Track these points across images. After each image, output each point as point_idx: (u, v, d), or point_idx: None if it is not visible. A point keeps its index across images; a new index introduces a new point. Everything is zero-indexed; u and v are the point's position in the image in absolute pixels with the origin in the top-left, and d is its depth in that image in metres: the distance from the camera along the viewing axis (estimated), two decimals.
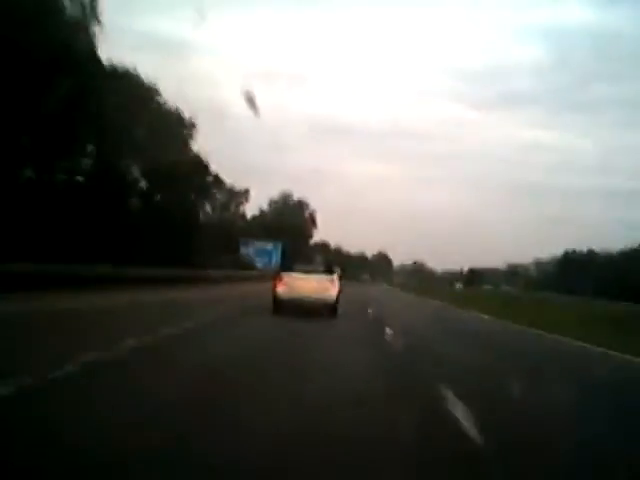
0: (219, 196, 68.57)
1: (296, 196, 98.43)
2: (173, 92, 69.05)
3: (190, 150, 44.71)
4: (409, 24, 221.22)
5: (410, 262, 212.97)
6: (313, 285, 18.65)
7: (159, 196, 42.94)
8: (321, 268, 20.28)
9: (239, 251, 65.20)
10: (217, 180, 56.23)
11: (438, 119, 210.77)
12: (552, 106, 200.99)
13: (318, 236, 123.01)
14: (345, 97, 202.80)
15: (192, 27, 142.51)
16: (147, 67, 65.46)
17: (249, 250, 63.95)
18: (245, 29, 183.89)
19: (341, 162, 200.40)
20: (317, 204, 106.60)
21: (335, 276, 19.95)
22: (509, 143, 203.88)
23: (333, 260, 26.52)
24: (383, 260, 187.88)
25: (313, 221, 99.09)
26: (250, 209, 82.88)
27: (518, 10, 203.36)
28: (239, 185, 68.43)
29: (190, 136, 44.32)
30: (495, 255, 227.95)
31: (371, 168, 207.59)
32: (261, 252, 64.28)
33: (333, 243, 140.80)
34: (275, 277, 19.44)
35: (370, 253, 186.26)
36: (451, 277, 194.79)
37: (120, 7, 76.61)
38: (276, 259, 60.12)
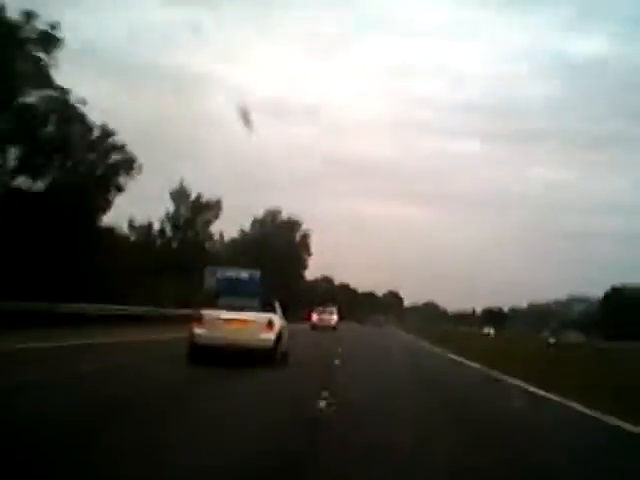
0: (182, 210, 52.00)
1: (286, 213, 76.41)
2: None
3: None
4: (423, 58, 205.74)
5: (421, 302, 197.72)
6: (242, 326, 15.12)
7: None
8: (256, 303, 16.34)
9: (203, 282, 48.38)
10: None
11: (451, 156, 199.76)
12: (569, 143, 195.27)
13: (319, 271, 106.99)
14: (356, 133, 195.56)
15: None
16: None
17: (216, 281, 46.40)
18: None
19: (350, 199, 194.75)
20: (325, 240, 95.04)
21: (274, 315, 15.91)
22: (525, 180, 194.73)
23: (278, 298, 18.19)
24: (394, 299, 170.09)
25: (306, 246, 77.39)
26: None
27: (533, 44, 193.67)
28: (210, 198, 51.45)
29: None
30: (506, 295, 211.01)
31: (382, 207, 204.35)
32: (233, 284, 46.03)
33: (338, 280, 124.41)
34: (193, 315, 16.00)
35: (380, 292, 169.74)
36: (463, 317, 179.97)
37: None
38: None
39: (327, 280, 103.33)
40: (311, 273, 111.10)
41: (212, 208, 52.64)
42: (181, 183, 54.24)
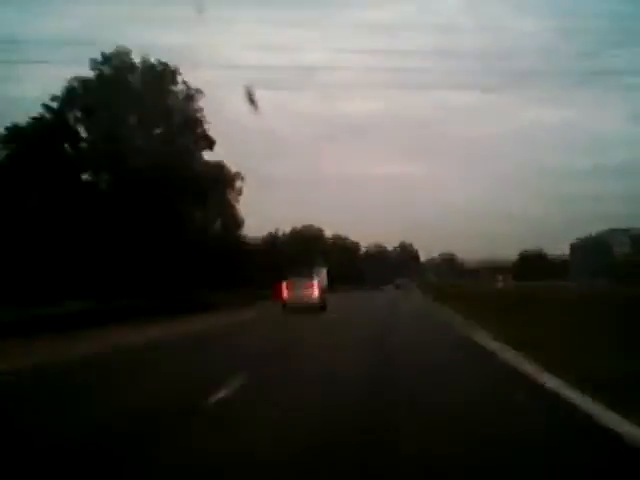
0: None
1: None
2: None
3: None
4: (410, 13, 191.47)
5: (437, 254, 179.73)
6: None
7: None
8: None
9: None
10: None
11: (446, 108, 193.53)
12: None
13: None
14: (350, 93, 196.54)
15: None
16: None
17: None
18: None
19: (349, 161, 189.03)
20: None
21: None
22: (527, 122, 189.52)
23: None
24: (407, 254, 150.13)
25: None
26: None
27: None
28: None
29: None
30: (533, 241, 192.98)
31: (383, 166, 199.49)
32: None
33: (331, 232, 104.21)
34: None
35: (390, 245, 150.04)
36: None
37: None
38: None
39: (309, 231, 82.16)
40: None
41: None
42: None
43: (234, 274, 43.29)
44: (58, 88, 37.35)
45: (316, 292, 32.88)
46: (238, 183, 47.34)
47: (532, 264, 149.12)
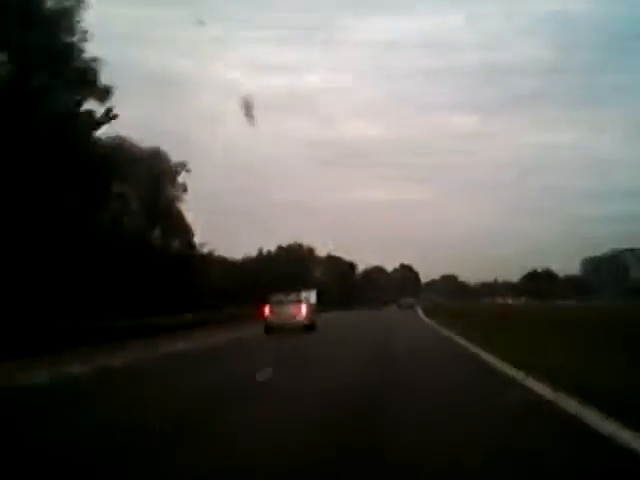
0: None
1: None
2: None
3: None
4: (409, 32, 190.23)
5: (439, 276, 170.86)
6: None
7: None
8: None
9: None
10: None
11: (446, 130, 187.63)
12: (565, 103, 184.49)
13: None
14: (348, 117, 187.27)
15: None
16: None
17: None
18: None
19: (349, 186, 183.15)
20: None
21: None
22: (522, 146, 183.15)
23: None
24: (407, 275, 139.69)
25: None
26: None
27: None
28: None
29: None
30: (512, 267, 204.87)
31: (383, 190, 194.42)
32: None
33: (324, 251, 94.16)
34: None
35: (390, 266, 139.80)
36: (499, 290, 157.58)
37: None
38: None
39: (297, 250, 72.27)
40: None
41: None
42: None
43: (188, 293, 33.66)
44: None
45: (303, 312, 28.77)
46: (181, 177, 36.75)
47: (541, 283, 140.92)
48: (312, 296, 36.12)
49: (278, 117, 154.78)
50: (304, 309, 28.59)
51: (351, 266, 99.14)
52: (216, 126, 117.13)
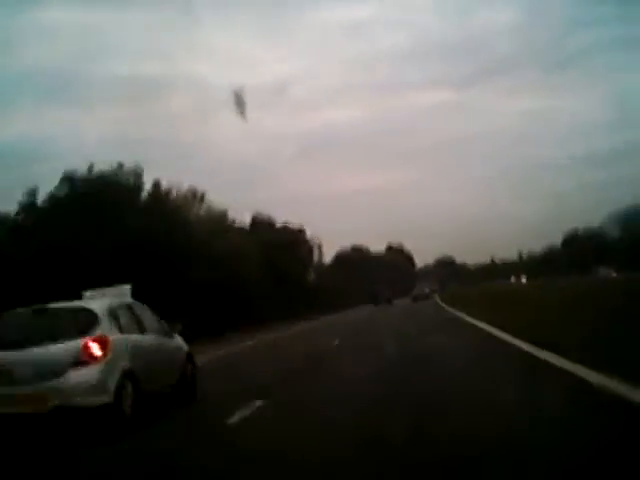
0: None
1: None
2: None
3: None
4: (373, 12, 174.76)
5: (432, 260, 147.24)
6: None
7: None
8: None
9: None
10: None
11: (423, 109, 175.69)
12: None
13: None
14: (324, 104, 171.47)
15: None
16: None
17: None
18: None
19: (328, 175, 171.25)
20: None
21: None
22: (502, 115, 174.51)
23: None
24: (397, 259, 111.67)
25: None
26: None
27: None
28: None
29: None
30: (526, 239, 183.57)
31: (365, 177, 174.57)
32: None
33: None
34: None
35: (375, 247, 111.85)
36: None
37: None
38: None
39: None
40: None
41: None
42: None
43: None
44: None
45: None
46: None
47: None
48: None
49: (249, 111, 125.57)
50: None
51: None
52: (186, 124, 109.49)
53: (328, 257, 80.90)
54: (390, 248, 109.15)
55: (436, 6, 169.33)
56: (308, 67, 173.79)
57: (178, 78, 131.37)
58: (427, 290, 67.64)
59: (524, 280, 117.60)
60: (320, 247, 71.64)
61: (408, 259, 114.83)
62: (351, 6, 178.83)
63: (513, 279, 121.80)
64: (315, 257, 69.52)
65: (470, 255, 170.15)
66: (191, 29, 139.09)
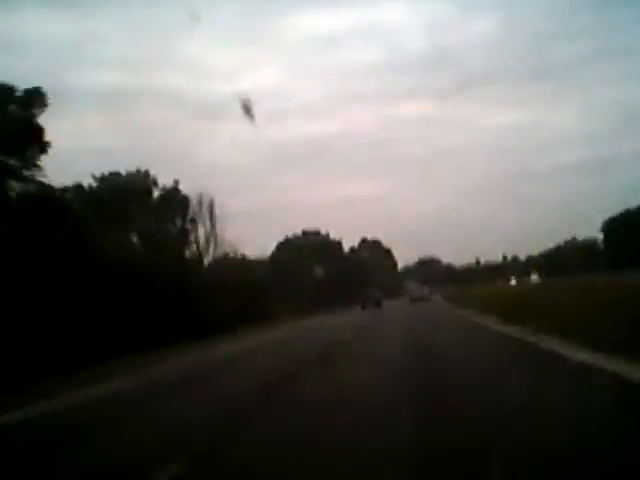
0: None
1: None
2: None
3: None
4: (347, 24, 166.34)
5: (413, 261, 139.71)
6: None
7: None
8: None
9: None
10: None
11: (401, 120, 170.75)
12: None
13: None
14: (299, 116, 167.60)
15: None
16: None
17: None
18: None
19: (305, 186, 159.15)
20: None
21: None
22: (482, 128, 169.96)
23: None
24: (379, 255, 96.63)
25: None
26: None
27: None
28: None
29: None
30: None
31: (344, 186, 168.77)
32: None
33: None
34: None
35: (352, 242, 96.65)
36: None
37: None
38: None
39: None
40: None
41: None
42: None
43: None
44: None
45: None
46: None
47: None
48: None
49: (221, 123, 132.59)
50: None
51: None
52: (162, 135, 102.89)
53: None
54: (364, 241, 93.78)
55: (414, 19, 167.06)
56: (284, 78, 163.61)
57: (146, 86, 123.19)
58: (426, 291, 60.60)
59: (513, 282, 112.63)
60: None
61: (388, 256, 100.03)
62: (328, 18, 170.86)
63: (515, 280, 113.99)
64: None
65: (454, 256, 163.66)
66: (167, 40, 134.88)
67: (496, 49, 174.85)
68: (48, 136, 27.51)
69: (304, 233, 74.58)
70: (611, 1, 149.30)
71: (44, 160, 27.22)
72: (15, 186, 27.13)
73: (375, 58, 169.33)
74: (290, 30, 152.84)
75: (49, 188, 27.86)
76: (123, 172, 46.28)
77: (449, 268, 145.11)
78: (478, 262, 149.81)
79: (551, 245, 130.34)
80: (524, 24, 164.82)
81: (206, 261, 47.14)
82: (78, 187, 38.92)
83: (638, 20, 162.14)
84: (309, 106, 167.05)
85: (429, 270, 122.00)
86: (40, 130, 27.37)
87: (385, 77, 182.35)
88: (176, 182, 46.48)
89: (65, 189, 33.18)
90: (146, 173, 46.20)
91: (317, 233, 77.24)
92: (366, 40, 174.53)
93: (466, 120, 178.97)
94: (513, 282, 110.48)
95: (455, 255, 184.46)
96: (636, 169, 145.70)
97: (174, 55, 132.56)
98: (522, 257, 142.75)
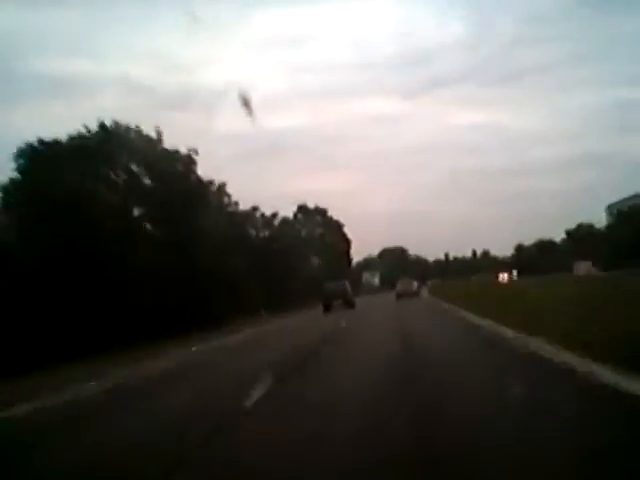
0: None
1: None
2: None
3: None
4: (315, 23, 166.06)
5: (375, 252, 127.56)
6: None
7: None
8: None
9: None
10: None
11: (374, 117, 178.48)
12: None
13: None
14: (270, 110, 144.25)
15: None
16: None
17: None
18: None
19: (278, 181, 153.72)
20: None
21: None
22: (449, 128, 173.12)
23: None
24: (331, 237, 74.28)
25: None
26: None
27: None
28: None
29: None
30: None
31: (308, 181, 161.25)
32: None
33: None
34: None
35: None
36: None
37: None
38: None
39: None
40: None
41: None
42: None
43: None
44: None
45: None
46: None
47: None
48: None
49: (186, 115, 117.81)
50: None
51: None
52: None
53: None
54: (302, 208, 71.55)
55: (383, 17, 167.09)
56: (251, 73, 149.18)
57: (109, 77, 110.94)
58: (415, 284, 53.91)
59: (505, 278, 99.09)
60: None
61: (344, 240, 78.18)
62: (297, 15, 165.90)
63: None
64: None
65: (422, 251, 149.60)
66: (139, 33, 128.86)
67: (465, 51, 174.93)
68: None
69: None
70: (580, 8, 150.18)
71: None
72: None
73: (343, 56, 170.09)
74: (257, 26, 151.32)
75: None
76: None
77: (420, 261, 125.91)
78: (447, 257, 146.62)
79: (516, 243, 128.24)
80: (492, 28, 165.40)
81: None
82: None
83: (606, 26, 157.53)
84: (274, 100, 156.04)
85: (397, 262, 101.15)
86: None
87: (353, 74, 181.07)
88: None
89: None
90: None
91: None
92: (331, 38, 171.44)
93: (434, 118, 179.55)
94: (505, 278, 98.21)
95: (422, 249, 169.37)
96: (599, 171, 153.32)
97: (137, 45, 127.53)
98: (494, 253, 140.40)
